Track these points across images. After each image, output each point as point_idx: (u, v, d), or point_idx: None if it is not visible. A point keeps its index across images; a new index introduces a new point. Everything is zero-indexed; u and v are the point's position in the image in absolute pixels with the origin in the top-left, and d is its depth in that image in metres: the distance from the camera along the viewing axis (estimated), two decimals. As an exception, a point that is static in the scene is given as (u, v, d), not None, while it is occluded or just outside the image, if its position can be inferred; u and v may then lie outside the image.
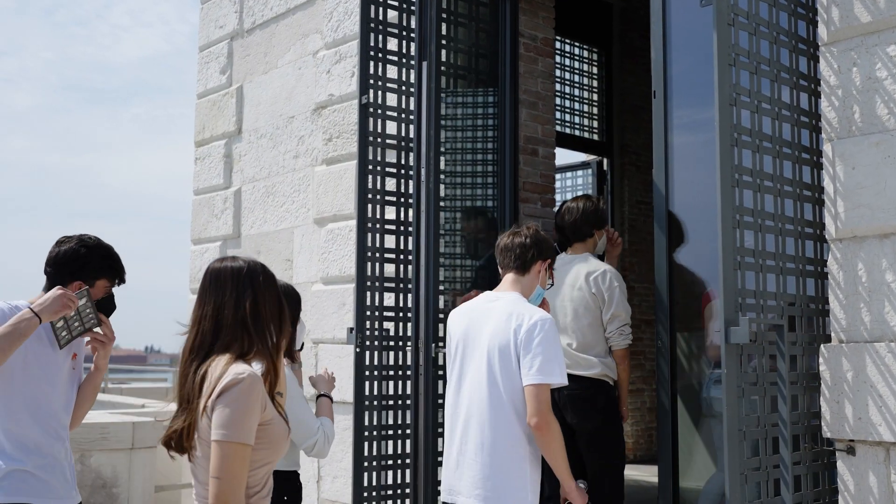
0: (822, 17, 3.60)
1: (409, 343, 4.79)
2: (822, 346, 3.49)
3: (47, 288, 3.08)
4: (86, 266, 3.11)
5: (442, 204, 4.85)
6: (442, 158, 4.90)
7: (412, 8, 4.94)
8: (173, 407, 2.41)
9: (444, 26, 4.92)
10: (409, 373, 4.76)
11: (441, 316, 4.61)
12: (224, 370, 2.31)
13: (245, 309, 2.40)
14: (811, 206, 3.65)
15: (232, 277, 2.43)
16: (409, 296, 4.81)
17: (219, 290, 2.42)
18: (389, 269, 4.88)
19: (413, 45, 4.91)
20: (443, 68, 4.95)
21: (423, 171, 4.61)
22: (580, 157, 8.09)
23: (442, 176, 4.90)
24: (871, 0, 3.44)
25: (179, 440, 2.36)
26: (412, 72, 4.91)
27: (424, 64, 4.71)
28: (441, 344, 4.51)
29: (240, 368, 2.32)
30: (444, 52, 4.95)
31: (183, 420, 2.36)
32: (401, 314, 4.84)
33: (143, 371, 16.29)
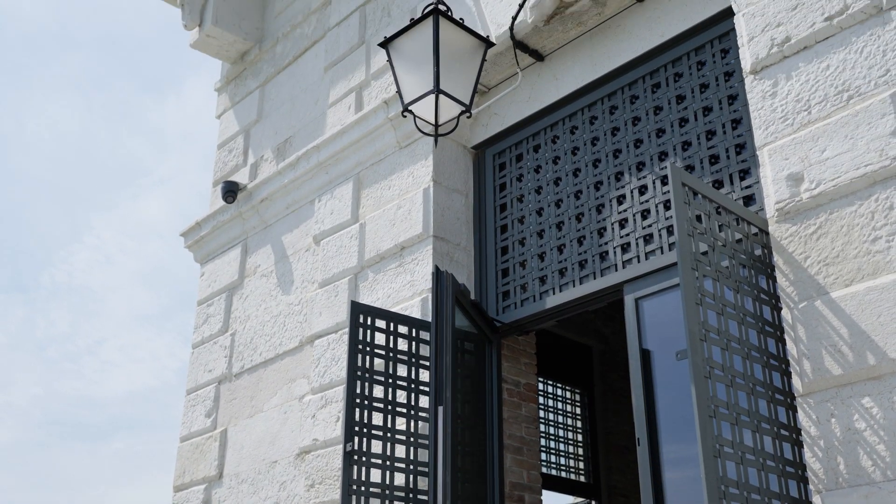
0: (795, 368, 3.73)
1: None
2: None
3: None
4: None
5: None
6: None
7: (399, 357, 5.10)
8: None
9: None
10: None
11: None
12: None
13: None
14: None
15: None
16: None
17: None
18: None
19: (400, 392, 4.99)
20: (423, 414, 4.99)
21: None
22: (568, 499, 7.92)
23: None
24: (840, 353, 3.58)
25: None
26: (397, 419, 4.93)
27: (440, 409, 4.60)
28: None
29: None
30: (425, 398, 5.01)
31: None
32: None
33: None
